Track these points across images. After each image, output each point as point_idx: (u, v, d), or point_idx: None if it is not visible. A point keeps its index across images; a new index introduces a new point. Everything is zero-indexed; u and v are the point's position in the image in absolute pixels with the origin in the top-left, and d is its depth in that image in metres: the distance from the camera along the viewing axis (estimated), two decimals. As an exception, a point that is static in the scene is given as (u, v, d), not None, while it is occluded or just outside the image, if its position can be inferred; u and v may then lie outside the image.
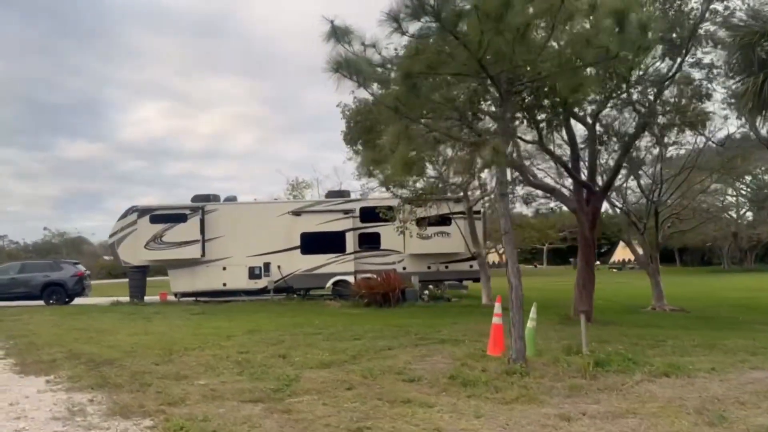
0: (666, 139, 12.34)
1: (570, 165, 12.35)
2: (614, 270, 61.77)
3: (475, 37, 5.52)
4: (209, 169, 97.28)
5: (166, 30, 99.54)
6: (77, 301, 21.48)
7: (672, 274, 51.31)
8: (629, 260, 64.96)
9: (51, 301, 20.59)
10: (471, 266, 20.29)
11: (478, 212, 19.61)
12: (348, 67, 5.98)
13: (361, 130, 12.31)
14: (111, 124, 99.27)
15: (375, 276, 19.04)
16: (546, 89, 8.40)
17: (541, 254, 70.21)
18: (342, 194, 21.74)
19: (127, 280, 21.94)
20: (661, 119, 11.00)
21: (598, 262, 69.67)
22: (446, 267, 20.45)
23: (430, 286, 19.54)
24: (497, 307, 8.37)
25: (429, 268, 20.37)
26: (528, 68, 6.32)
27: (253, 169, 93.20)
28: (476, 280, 20.94)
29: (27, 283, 20.70)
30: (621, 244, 69.95)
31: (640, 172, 16.18)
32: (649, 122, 10.87)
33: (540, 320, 14.14)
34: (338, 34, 6.71)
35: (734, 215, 43.62)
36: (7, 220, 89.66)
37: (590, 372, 6.61)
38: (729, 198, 40.88)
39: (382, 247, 20.50)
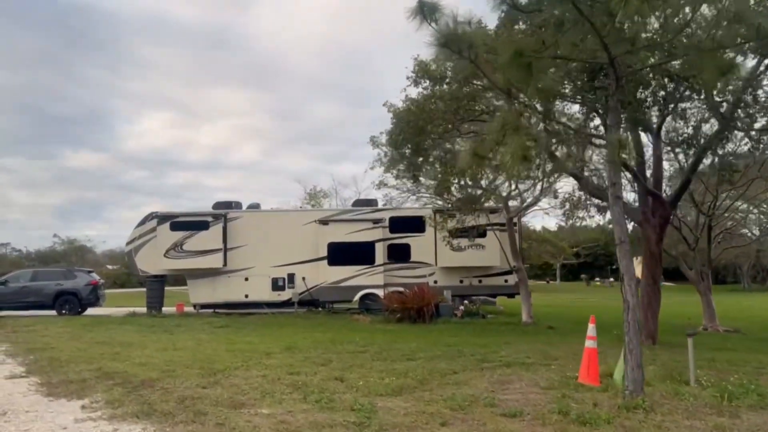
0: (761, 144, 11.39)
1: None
2: (628, 287, 60.08)
3: (617, 5, 4.59)
4: (212, 179, 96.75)
5: (172, 42, 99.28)
6: (90, 311, 20.48)
7: (693, 292, 49.97)
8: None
9: (63, 311, 19.59)
10: (506, 281, 19.27)
11: (515, 224, 18.58)
12: (458, 42, 5.06)
13: (413, 130, 11.37)
14: (115, 134, 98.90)
15: (405, 290, 18.09)
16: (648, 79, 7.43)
17: (552, 270, 68.69)
18: (370, 203, 20.78)
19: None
20: (759, 122, 10.03)
21: (611, 279, 68.54)
22: (480, 281, 19.42)
23: (466, 302, 18.53)
24: (591, 329, 7.37)
25: (461, 282, 19.34)
26: (662, 49, 5.40)
27: (256, 180, 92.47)
28: (510, 295, 19.93)
29: (39, 291, 19.71)
30: (634, 260, 68.58)
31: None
32: (743, 125, 9.89)
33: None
34: (426, 10, 5.82)
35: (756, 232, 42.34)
36: (10, 228, 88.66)
37: (727, 408, 5.61)
38: (751, 215, 39.74)
39: (412, 259, 19.49)
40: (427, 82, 11.47)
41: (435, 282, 19.06)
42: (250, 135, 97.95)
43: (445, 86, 11.06)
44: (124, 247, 20.36)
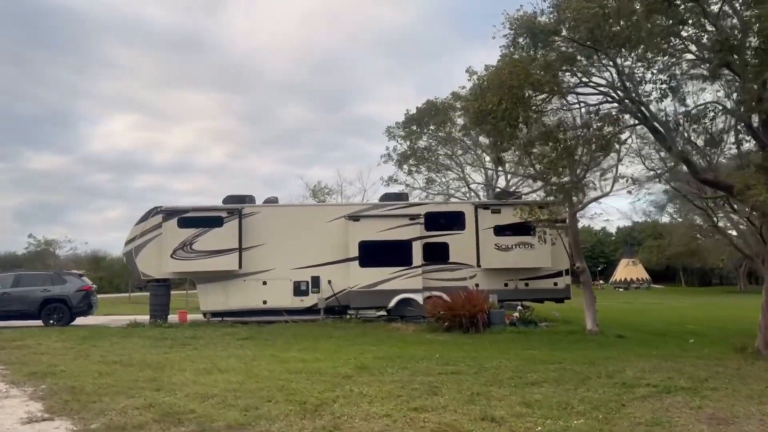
0: None
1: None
2: (620, 289, 59.50)
3: None
4: (178, 183, 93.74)
5: (140, 43, 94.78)
6: (80, 320, 17.85)
7: (689, 294, 49.12)
8: (633, 279, 62.88)
9: (51, 321, 16.97)
10: (555, 284, 17.45)
11: (564, 221, 16.68)
12: None
13: (513, 99, 9.30)
14: (79, 136, 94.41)
15: (444, 294, 16.14)
16: None
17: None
18: (400, 197, 18.71)
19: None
20: None
21: (601, 281, 67.61)
22: (526, 284, 17.52)
23: (519, 307, 16.62)
24: None
25: (506, 285, 17.41)
26: None
27: (224, 183, 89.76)
28: (558, 300, 18.10)
29: (23, 299, 17.00)
30: (623, 262, 67.59)
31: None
32: None
33: (708, 354, 11.37)
34: None
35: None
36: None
37: None
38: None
39: (450, 260, 17.48)
40: (528, 40, 9.47)
41: (476, 285, 17.06)
42: (218, 138, 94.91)
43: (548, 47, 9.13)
44: (123, 248, 17.74)
